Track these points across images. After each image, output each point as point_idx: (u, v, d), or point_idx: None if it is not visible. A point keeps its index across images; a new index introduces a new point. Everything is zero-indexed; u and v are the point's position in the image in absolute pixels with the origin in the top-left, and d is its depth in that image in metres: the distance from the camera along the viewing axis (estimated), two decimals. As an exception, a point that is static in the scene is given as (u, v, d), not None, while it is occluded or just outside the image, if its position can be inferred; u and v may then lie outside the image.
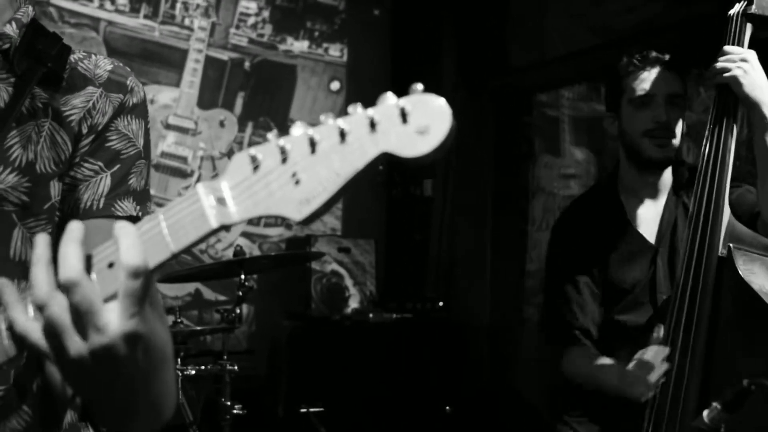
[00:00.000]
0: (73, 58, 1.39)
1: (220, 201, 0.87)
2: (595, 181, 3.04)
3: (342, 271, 5.20)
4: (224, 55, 5.43)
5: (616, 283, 2.53)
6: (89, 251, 0.96)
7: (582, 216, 2.69)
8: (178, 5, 5.30)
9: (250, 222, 5.38)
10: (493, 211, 5.36)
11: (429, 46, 5.67)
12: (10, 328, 0.99)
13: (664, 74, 2.49)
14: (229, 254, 5.02)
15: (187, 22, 5.32)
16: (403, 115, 0.78)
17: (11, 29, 1.35)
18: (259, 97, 5.52)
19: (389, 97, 0.79)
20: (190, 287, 5.13)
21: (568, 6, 4.95)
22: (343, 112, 0.82)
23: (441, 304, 5.18)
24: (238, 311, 3.86)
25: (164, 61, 5.25)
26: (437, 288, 5.43)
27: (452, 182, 5.44)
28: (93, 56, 1.42)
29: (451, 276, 5.40)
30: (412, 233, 5.80)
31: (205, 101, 5.35)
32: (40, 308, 0.94)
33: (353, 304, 5.17)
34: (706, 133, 2.25)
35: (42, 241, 0.97)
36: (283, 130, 0.85)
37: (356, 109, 0.81)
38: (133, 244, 0.92)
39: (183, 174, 5.22)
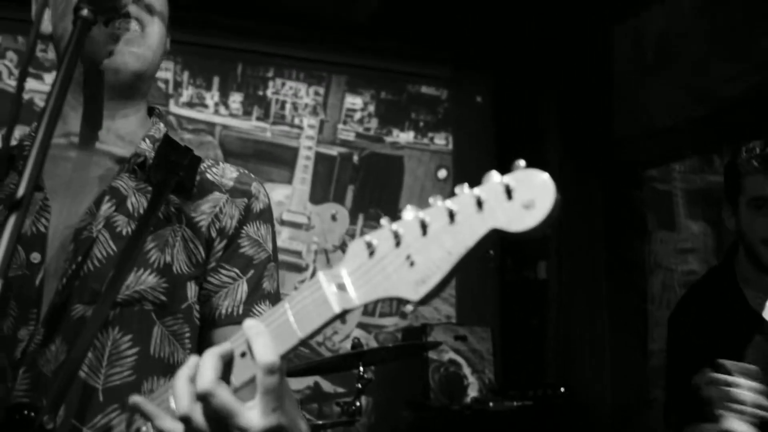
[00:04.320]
0: (202, 166, 1.52)
1: (341, 287, 0.91)
2: (711, 267, 2.90)
3: (459, 359, 5.16)
4: (333, 151, 5.60)
5: None
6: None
7: (700, 307, 2.57)
8: (288, 106, 5.52)
9: (366, 312, 5.43)
10: (610, 290, 5.24)
11: (532, 127, 5.69)
12: None
13: None
14: (346, 346, 5.06)
15: (296, 121, 5.53)
16: (508, 192, 0.80)
17: (146, 145, 1.50)
18: (369, 189, 5.64)
19: (494, 176, 0.82)
20: (309, 380, 5.18)
21: (670, 75, 4.89)
22: (451, 196, 0.85)
23: (563, 389, 5.05)
24: (358, 404, 3.86)
25: (276, 160, 5.45)
26: (558, 373, 5.30)
27: (566, 263, 5.36)
28: (220, 164, 1.56)
29: (571, 360, 5.28)
30: (528, 317, 5.72)
31: (317, 196, 5.50)
32: (184, 420, 1.01)
33: (472, 392, 5.10)
34: None
35: (193, 359, 1.05)
36: (394, 220, 0.89)
37: (463, 190, 0.84)
38: (267, 343, 0.98)
39: (298, 268, 5.34)
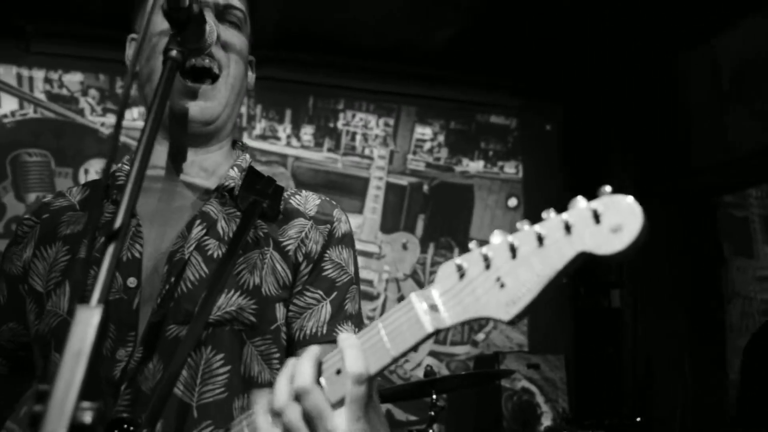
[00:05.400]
0: (285, 194, 1.60)
1: (433, 308, 0.95)
2: None
3: (533, 388, 5.12)
4: (403, 180, 5.65)
5: None
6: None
7: None
8: (358, 137, 5.60)
9: (437, 341, 5.44)
10: (686, 319, 5.15)
11: (602, 154, 5.66)
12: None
13: None
14: (418, 374, 5.07)
15: (367, 151, 5.61)
16: (596, 216, 0.84)
17: (234, 173, 1.60)
18: (439, 218, 5.67)
19: (580, 201, 0.85)
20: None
21: (748, 103, 4.83)
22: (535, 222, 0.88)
23: (639, 419, 4.96)
24: (430, 431, 3.86)
25: (347, 190, 5.53)
26: (634, 402, 5.22)
27: (641, 292, 5.30)
28: (303, 192, 1.66)
29: (647, 389, 5.19)
30: (603, 346, 5.65)
31: (388, 225, 5.55)
32: (277, 414, 1.08)
33: (546, 421, 5.05)
34: None
35: (291, 362, 1.11)
36: (464, 249, 0.93)
37: (550, 215, 0.87)
38: (357, 355, 1.04)
39: (370, 297, 5.39)
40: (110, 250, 1.01)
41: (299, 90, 5.53)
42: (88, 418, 0.86)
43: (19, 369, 1.63)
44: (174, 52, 1.31)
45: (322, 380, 1.06)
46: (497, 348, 5.46)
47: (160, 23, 1.55)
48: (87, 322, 0.92)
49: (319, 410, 1.04)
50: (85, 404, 0.87)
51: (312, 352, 1.09)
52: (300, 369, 1.07)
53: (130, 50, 1.71)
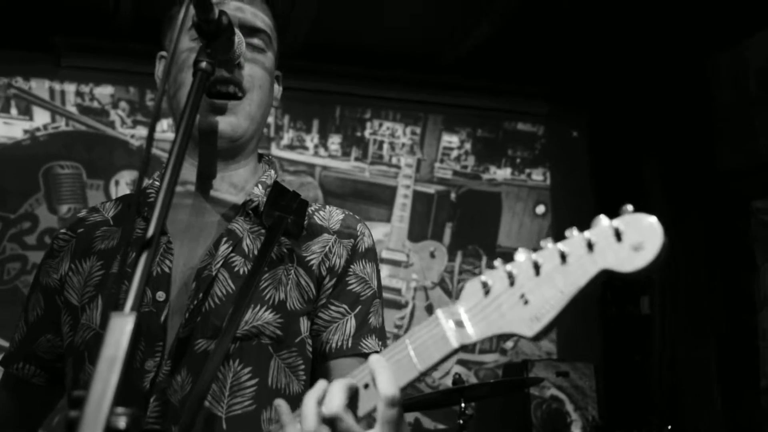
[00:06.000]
0: (310, 210, 1.64)
1: (458, 323, 0.98)
2: None
3: (562, 396, 5.10)
4: (431, 189, 5.67)
5: None
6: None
7: None
8: (386, 146, 5.63)
9: (465, 349, 5.43)
10: (718, 326, 5.11)
11: (631, 159, 5.63)
12: None
13: None
14: (446, 382, 5.06)
15: (394, 160, 5.63)
16: (618, 235, 0.86)
17: (258, 190, 1.63)
18: (467, 226, 5.67)
19: (602, 219, 0.88)
20: (409, 417, 5.20)
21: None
22: (550, 234, 0.90)
23: (669, 427, 4.93)
24: (457, 440, 3.86)
25: (375, 199, 5.55)
26: (663, 411, 5.19)
27: (670, 298, 5.26)
28: (327, 207, 1.69)
29: (677, 397, 5.16)
30: (632, 353, 5.62)
31: (415, 234, 5.56)
32: None
33: (576, 429, 5.03)
34: None
35: (321, 383, 1.14)
36: (492, 257, 0.96)
37: (573, 233, 0.90)
38: (389, 377, 1.07)
39: (398, 305, 5.41)
40: (142, 259, 1.05)
41: (326, 100, 5.56)
42: (122, 423, 0.89)
43: (57, 380, 1.66)
44: (204, 64, 1.34)
45: None
46: (526, 356, 5.45)
47: (189, 40, 1.59)
48: (121, 329, 0.95)
49: None
50: (120, 410, 0.90)
51: (343, 381, 1.11)
52: (331, 394, 1.09)
53: (159, 67, 1.75)
